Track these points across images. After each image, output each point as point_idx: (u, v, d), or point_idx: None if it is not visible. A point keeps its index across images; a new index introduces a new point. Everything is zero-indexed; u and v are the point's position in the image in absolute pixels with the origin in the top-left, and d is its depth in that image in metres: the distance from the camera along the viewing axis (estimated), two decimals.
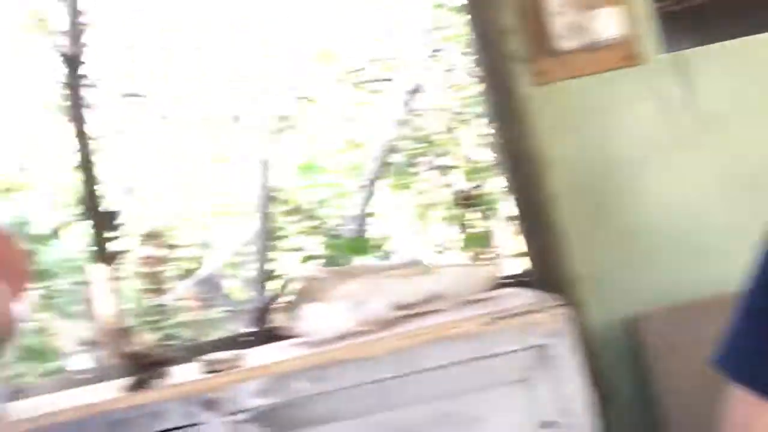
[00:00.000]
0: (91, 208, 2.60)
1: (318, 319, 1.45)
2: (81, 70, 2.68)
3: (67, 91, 2.62)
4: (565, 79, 1.67)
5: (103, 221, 2.60)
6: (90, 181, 2.59)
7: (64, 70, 2.68)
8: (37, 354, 2.76)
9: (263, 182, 3.28)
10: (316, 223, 3.40)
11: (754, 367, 0.82)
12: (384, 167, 3.32)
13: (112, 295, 2.28)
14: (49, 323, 2.92)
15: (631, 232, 1.67)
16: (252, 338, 1.76)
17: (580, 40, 1.66)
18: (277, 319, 1.60)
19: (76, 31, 2.69)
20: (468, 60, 3.01)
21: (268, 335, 1.71)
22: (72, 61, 2.67)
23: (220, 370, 1.34)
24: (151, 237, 3.15)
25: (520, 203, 1.86)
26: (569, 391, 1.30)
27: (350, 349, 1.30)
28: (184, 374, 1.38)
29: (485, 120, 2.35)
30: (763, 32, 1.69)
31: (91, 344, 2.62)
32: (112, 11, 3.00)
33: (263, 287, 3.15)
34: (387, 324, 1.42)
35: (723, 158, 1.67)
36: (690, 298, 1.59)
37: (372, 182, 3.31)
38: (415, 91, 3.31)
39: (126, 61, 3.14)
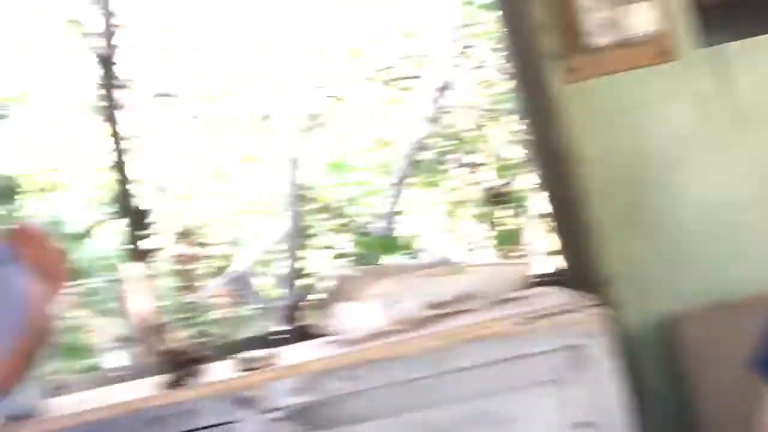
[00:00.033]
0: (125, 206, 2.64)
1: (351, 318, 1.46)
2: (115, 71, 2.72)
3: (102, 92, 2.66)
4: (598, 76, 1.65)
5: (137, 220, 2.63)
6: (123, 180, 2.63)
7: (99, 71, 2.72)
8: (73, 351, 2.80)
9: (293, 180, 3.29)
10: (345, 221, 3.41)
11: None
12: (413, 165, 3.32)
13: (146, 293, 2.31)
14: (85, 320, 2.96)
15: (666, 231, 1.65)
16: (285, 336, 1.77)
17: (614, 36, 1.64)
18: (309, 318, 1.61)
19: (109, 33, 2.73)
20: (498, 57, 2.99)
21: (301, 333, 1.73)
22: (106, 62, 2.71)
23: (254, 369, 1.34)
24: (184, 235, 3.18)
25: (553, 201, 1.84)
26: (605, 392, 1.29)
27: (384, 349, 1.30)
28: (218, 372, 1.40)
29: (516, 117, 2.34)
30: None
31: (126, 341, 2.65)
32: (143, 12, 3.04)
33: (293, 285, 3.16)
34: (419, 323, 1.42)
35: (761, 155, 1.64)
36: (727, 298, 1.57)
37: (401, 180, 3.31)
38: (445, 88, 3.29)
39: (158, 62, 3.17)
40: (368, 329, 1.42)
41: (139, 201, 2.65)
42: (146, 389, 1.38)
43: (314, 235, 3.39)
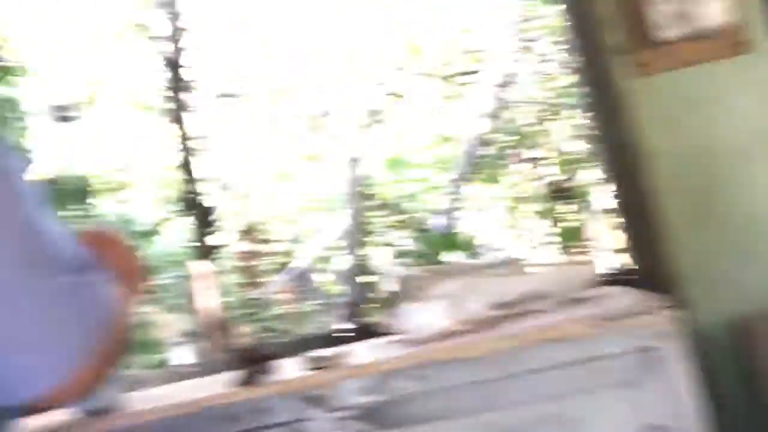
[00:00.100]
0: (191, 204, 2.70)
1: (416, 318, 1.46)
2: (181, 73, 2.78)
3: (169, 94, 2.73)
4: (667, 70, 1.61)
5: (202, 217, 2.69)
6: (189, 179, 2.69)
7: (166, 73, 2.78)
8: (143, 347, 2.88)
9: (353, 177, 3.32)
10: (405, 217, 3.41)
11: None
12: (474, 161, 3.30)
13: (212, 289, 2.36)
14: (153, 316, 3.05)
15: (738, 228, 1.60)
16: (350, 334, 1.79)
17: (684, 28, 1.60)
18: (372, 315, 1.62)
19: (176, 36, 2.79)
20: (560, 51, 2.94)
21: (366, 331, 1.73)
22: (173, 64, 2.77)
23: (323, 367, 1.36)
24: (247, 232, 3.23)
25: (621, 197, 1.81)
26: (677, 395, 1.26)
27: (452, 349, 1.30)
28: (288, 370, 1.41)
29: (579, 111, 2.30)
30: None
31: (193, 336, 2.72)
32: (207, 15, 3.10)
33: (354, 281, 3.19)
34: (485, 324, 1.41)
35: None
36: None
37: (461, 176, 3.30)
38: (506, 83, 3.27)
39: (221, 63, 3.23)
40: (434, 329, 1.42)
41: (205, 199, 2.71)
42: (217, 386, 1.40)
43: (374, 231, 3.41)
